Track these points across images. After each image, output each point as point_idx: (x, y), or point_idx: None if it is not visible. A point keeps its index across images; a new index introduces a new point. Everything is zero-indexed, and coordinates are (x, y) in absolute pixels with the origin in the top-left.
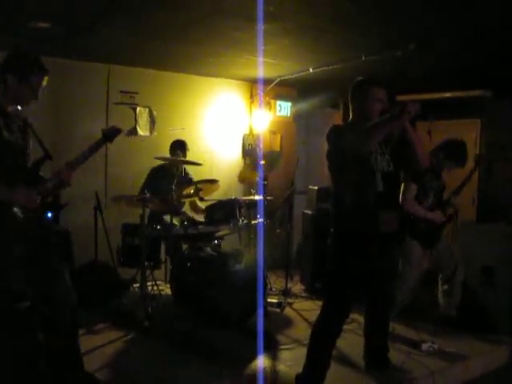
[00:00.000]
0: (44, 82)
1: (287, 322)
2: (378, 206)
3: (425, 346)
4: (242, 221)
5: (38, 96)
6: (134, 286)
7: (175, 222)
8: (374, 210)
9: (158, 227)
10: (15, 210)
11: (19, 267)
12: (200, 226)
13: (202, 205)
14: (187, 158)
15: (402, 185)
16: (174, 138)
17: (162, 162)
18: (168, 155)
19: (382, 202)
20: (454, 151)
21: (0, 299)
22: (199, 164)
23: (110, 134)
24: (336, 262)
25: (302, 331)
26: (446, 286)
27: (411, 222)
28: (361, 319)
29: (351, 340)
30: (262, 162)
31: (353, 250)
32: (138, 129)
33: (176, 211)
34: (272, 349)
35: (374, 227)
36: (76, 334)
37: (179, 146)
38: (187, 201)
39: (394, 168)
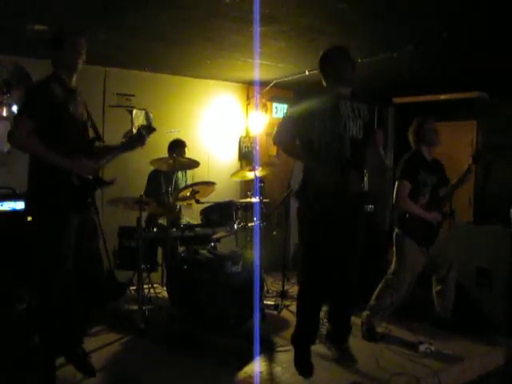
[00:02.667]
0: (83, 41)
1: (284, 325)
2: (346, 169)
3: (422, 348)
4: (239, 223)
5: (84, 56)
6: (131, 288)
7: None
8: (342, 172)
9: (155, 230)
10: (73, 178)
11: (72, 234)
12: (197, 229)
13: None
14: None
15: (396, 183)
16: (170, 140)
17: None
18: (166, 156)
19: (349, 165)
20: (418, 130)
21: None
22: (196, 163)
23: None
24: (308, 230)
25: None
26: (439, 287)
27: (406, 220)
28: (357, 321)
29: (350, 341)
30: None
31: (322, 212)
32: (134, 131)
33: (173, 213)
34: (269, 351)
35: (342, 187)
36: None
37: (177, 146)
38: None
39: (363, 136)
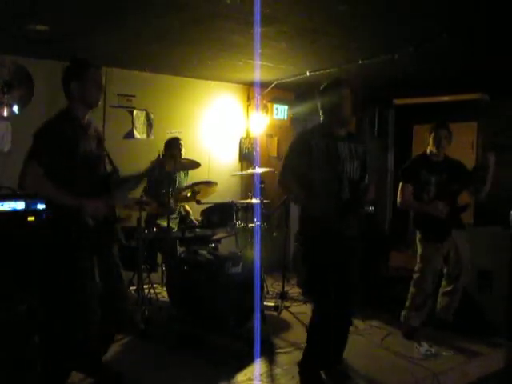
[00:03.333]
0: (102, 76)
1: (284, 326)
2: (343, 212)
3: (422, 350)
4: (239, 224)
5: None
6: (131, 289)
7: (172, 225)
8: (339, 215)
9: (155, 230)
10: (86, 218)
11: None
12: (197, 229)
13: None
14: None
15: (399, 185)
16: (166, 139)
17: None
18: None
19: (347, 208)
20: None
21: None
22: (196, 163)
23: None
24: (310, 263)
25: (299, 335)
26: (448, 288)
27: (416, 220)
28: (358, 323)
29: (348, 343)
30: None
31: (320, 251)
32: (135, 132)
33: (172, 213)
34: (269, 352)
35: (339, 231)
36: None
37: (173, 147)
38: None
39: (360, 176)
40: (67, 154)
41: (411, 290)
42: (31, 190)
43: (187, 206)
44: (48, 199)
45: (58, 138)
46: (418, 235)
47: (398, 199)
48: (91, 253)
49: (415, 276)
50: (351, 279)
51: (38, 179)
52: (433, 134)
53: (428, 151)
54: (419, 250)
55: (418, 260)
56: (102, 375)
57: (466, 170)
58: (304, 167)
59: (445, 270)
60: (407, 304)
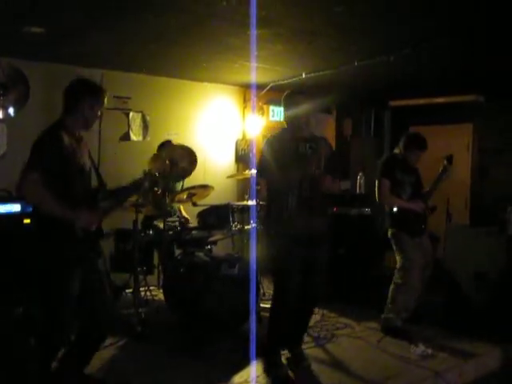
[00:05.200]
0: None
1: None
2: (303, 209)
3: (418, 350)
4: (235, 226)
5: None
6: (127, 291)
7: (168, 227)
8: (302, 212)
9: (151, 232)
10: (78, 230)
11: (75, 279)
12: (193, 231)
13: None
14: None
15: (376, 182)
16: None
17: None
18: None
19: (307, 204)
20: (411, 140)
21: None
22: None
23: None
24: (276, 258)
25: None
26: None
27: (395, 217)
28: (354, 324)
29: (345, 345)
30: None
31: (287, 247)
32: (131, 134)
33: (170, 215)
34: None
35: (303, 228)
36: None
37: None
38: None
39: (319, 173)
40: (65, 165)
41: (395, 289)
42: (29, 200)
43: (185, 213)
44: (44, 209)
45: (57, 147)
46: (393, 232)
47: (378, 194)
48: (75, 264)
49: (400, 273)
50: (315, 274)
51: (37, 189)
52: (413, 152)
53: (398, 153)
54: (402, 247)
55: (402, 257)
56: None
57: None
58: (272, 167)
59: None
60: (390, 306)
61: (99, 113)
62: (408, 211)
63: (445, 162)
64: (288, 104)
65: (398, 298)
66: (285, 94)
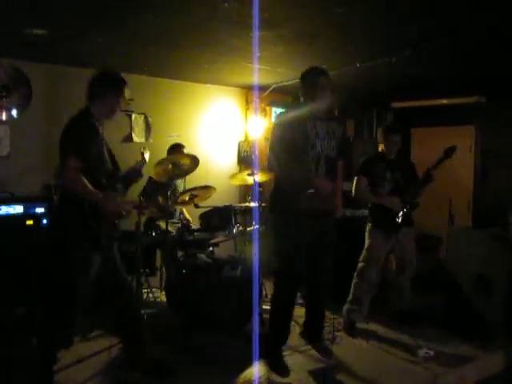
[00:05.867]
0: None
1: None
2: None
3: (421, 352)
4: (238, 227)
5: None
6: None
7: (171, 228)
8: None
9: (154, 234)
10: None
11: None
12: (195, 233)
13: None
14: None
15: (354, 179)
16: (169, 145)
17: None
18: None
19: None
20: (383, 129)
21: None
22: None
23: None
24: (281, 237)
25: (298, 338)
26: (396, 282)
27: (370, 210)
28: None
29: (346, 346)
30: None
31: (294, 223)
32: (134, 135)
33: (172, 217)
34: (267, 355)
35: (314, 204)
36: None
37: (177, 151)
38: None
39: (336, 154)
40: (95, 148)
41: (354, 281)
42: (70, 186)
43: (187, 215)
44: (81, 194)
45: (87, 130)
46: (369, 226)
47: (353, 190)
48: (92, 246)
49: (360, 265)
50: (321, 261)
51: (77, 173)
52: (390, 140)
53: (380, 150)
54: (367, 240)
55: (364, 250)
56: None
57: (415, 173)
58: (289, 140)
59: (393, 266)
60: (349, 297)
61: (122, 101)
62: (380, 206)
63: (443, 153)
64: (309, 80)
65: (356, 290)
66: (307, 69)
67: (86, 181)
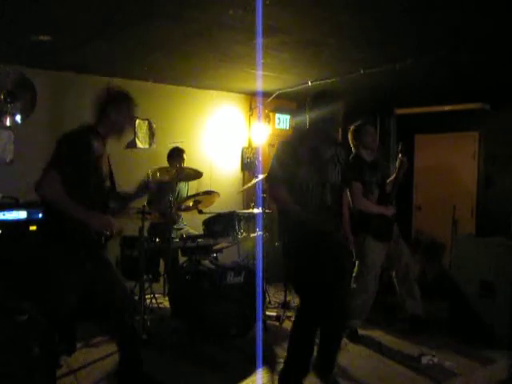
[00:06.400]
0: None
1: (286, 336)
2: (328, 215)
3: (424, 359)
4: (241, 234)
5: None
6: None
7: (174, 235)
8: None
9: (157, 240)
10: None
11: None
12: (199, 239)
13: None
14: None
15: (350, 185)
16: (169, 149)
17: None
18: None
19: (331, 211)
20: (351, 129)
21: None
22: (199, 173)
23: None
24: (301, 265)
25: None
26: (404, 287)
27: (366, 221)
28: (359, 332)
29: (350, 353)
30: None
31: (314, 262)
32: (137, 141)
33: (175, 223)
34: (271, 362)
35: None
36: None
37: (176, 155)
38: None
39: (340, 181)
40: (86, 166)
41: (362, 297)
42: (47, 197)
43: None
44: (59, 207)
45: (82, 148)
46: (366, 239)
47: (353, 200)
48: (84, 264)
49: (361, 281)
50: (345, 285)
51: (55, 186)
52: (363, 133)
53: (361, 152)
54: (367, 255)
55: (363, 266)
56: None
57: (388, 170)
58: (292, 167)
59: (393, 274)
60: (356, 311)
61: (130, 119)
62: (379, 216)
63: (399, 155)
64: (315, 105)
65: (352, 303)
66: (312, 94)
67: (64, 192)
